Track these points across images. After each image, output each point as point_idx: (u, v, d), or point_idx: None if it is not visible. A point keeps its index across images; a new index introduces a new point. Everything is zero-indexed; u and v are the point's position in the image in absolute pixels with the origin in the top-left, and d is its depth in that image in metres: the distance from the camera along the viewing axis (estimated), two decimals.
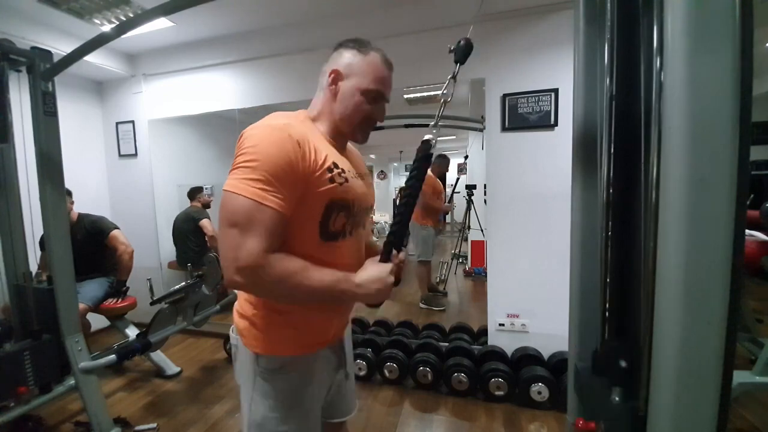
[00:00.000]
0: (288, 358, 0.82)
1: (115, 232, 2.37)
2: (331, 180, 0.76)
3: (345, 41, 0.86)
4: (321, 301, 0.79)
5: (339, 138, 0.87)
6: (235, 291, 0.90)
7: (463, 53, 0.85)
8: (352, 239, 0.86)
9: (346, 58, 0.83)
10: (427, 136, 0.83)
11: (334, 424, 1.01)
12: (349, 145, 0.94)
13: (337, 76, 0.83)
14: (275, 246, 0.70)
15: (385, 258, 0.80)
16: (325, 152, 0.77)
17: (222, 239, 0.70)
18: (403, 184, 0.84)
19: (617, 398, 0.67)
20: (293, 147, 0.71)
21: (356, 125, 0.85)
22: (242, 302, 0.85)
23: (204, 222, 3.25)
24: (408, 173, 0.83)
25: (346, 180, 0.79)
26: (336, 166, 0.78)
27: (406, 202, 0.81)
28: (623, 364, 0.67)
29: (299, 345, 0.83)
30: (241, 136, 0.73)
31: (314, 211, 0.76)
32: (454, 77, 0.85)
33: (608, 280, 0.74)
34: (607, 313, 0.75)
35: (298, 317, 0.81)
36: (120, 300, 2.40)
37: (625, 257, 0.72)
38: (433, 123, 0.84)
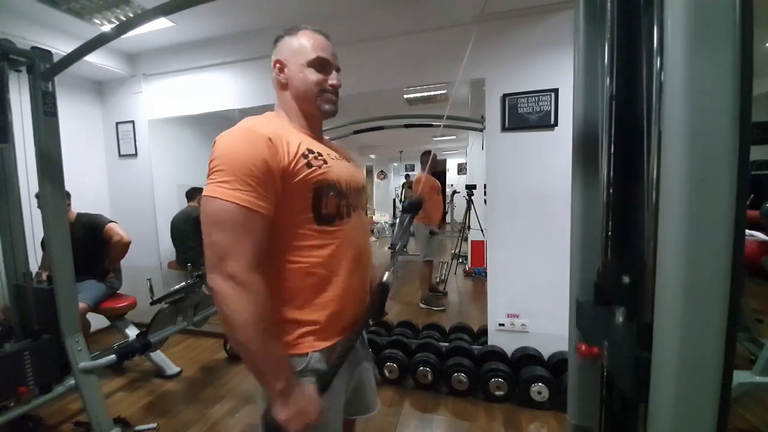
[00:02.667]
0: (304, 357, 0.79)
1: (111, 224, 2.37)
2: (309, 165, 0.76)
3: (277, 36, 0.88)
4: (246, 359, 0.73)
5: (311, 126, 0.88)
6: None
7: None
8: (352, 221, 0.85)
9: (282, 46, 0.86)
10: (385, 278, 0.92)
11: (347, 420, 0.98)
12: (327, 139, 0.95)
13: (280, 65, 0.85)
14: (260, 252, 0.71)
15: (323, 387, 0.78)
16: (298, 141, 0.78)
17: (207, 240, 0.70)
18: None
19: (621, 318, 0.66)
20: (265, 144, 0.72)
21: (316, 97, 0.84)
22: None
23: None
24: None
25: (325, 161, 0.80)
26: (311, 151, 0.78)
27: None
28: (626, 280, 0.66)
29: (314, 340, 0.80)
30: (214, 143, 0.74)
31: (303, 198, 0.77)
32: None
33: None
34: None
35: (310, 314, 0.80)
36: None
37: (625, 257, 0.72)
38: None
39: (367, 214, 0.93)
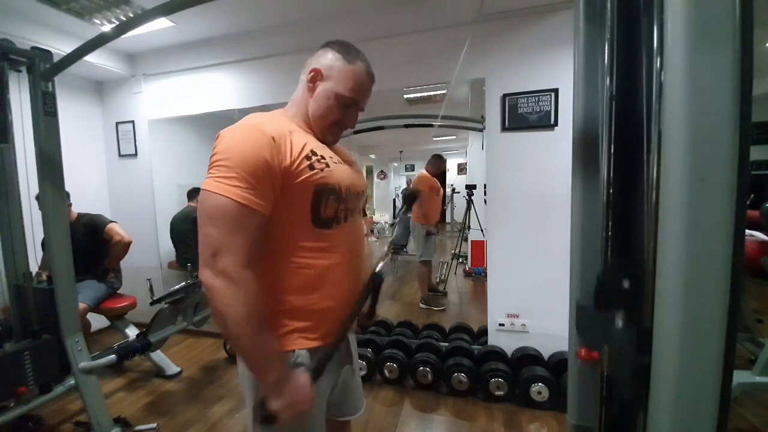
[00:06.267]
0: (290, 353, 0.80)
1: (111, 224, 2.38)
2: (311, 167, 0.76)
3: (333, 42, 0.86)
4: (239, 349, 0.75)
5: (314, 128, 0.88)
6: None
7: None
8: (348, 225, 0.86)
9: (330, 59, 0.84)
10: (378, 268, 0.88)
11: (339, 422, 1.00)
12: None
13: (316, 75, 0.84)
14: (254, 248, 0.71)
15: (315, 376, 0.78)
16: (303, 141, 0.78)
17: (202, 233, 0.71)
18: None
19: (621, 323, 0.66)
20: (268, 143, 0.72)
21: (325, 127, 0.86)
22: None
23: None
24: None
25: (327, 165, 0.79)
26: (314, 153, 0.79)
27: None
28: (626, 284, 0.66)
29: (301, 339, 0.82)
30: (217, 137, 0.74)
31: (302, 200, 0.77)
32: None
33: None
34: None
35: (302, 313, 0.81)
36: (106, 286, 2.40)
37: (625, 257, 0.72)
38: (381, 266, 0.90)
39: (366, 215, 0.94)
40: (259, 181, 0.70)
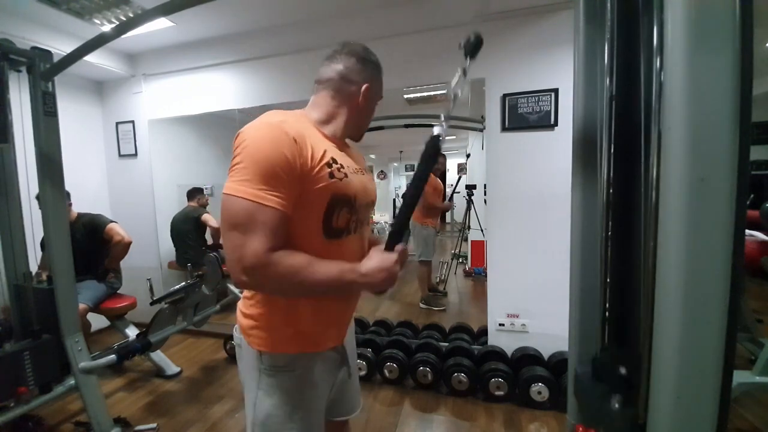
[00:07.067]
0: (291, 355, 0.82)
1: (111, 224, 2.38)
2: (331, 175, 0.76)
3: (362, 51, 0.88)
4: (329, 293, 0.80)
5: (342, 137, 0.88)
6: (236, 291, 0.90)
7: (473, 48, 0.86)
8: (356, 237, 0.86)
9: (371, 74, 0.89)
10: (436, 131, 0.80)
11: (336, 422, 1.01)
12: (348, 142, 0.96)
13: (367, 93, 0.87)
14: (279, 244, 0.70)
15: (390, 247, 0.80)
16: (324, 148, 0.77)
17: (226, 242, 0.70)
18: (407, 183, 0.84)
19: (617, 405, 0.67)
20: (289, 144, 0.71)
21: (365, 127, 0.95)
22: (245, 301, 0.85)
23: (206, 216, 3.25)
24: (414, 171, 0.82)
25: (346, 175, 0.79)
26: (335, 161, 0.78)
27: (411, 199, 0.81)
28: (623, 371, 0.67)
29: (302, 343, 0.83)
30: (237, 135, 0.73)
31: (317, 208, 0.76)
32: (464, 72, 0.85)
33: (608, 280, 0.74)
34: (607, 314, 0.75)
35: (301, 316, 0.81)
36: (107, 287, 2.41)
37: (625, 257, 0.72)
38: (443, 118, 0.81)
39: (368, 224, 0.94)
40: (281, 182, 0.70)
